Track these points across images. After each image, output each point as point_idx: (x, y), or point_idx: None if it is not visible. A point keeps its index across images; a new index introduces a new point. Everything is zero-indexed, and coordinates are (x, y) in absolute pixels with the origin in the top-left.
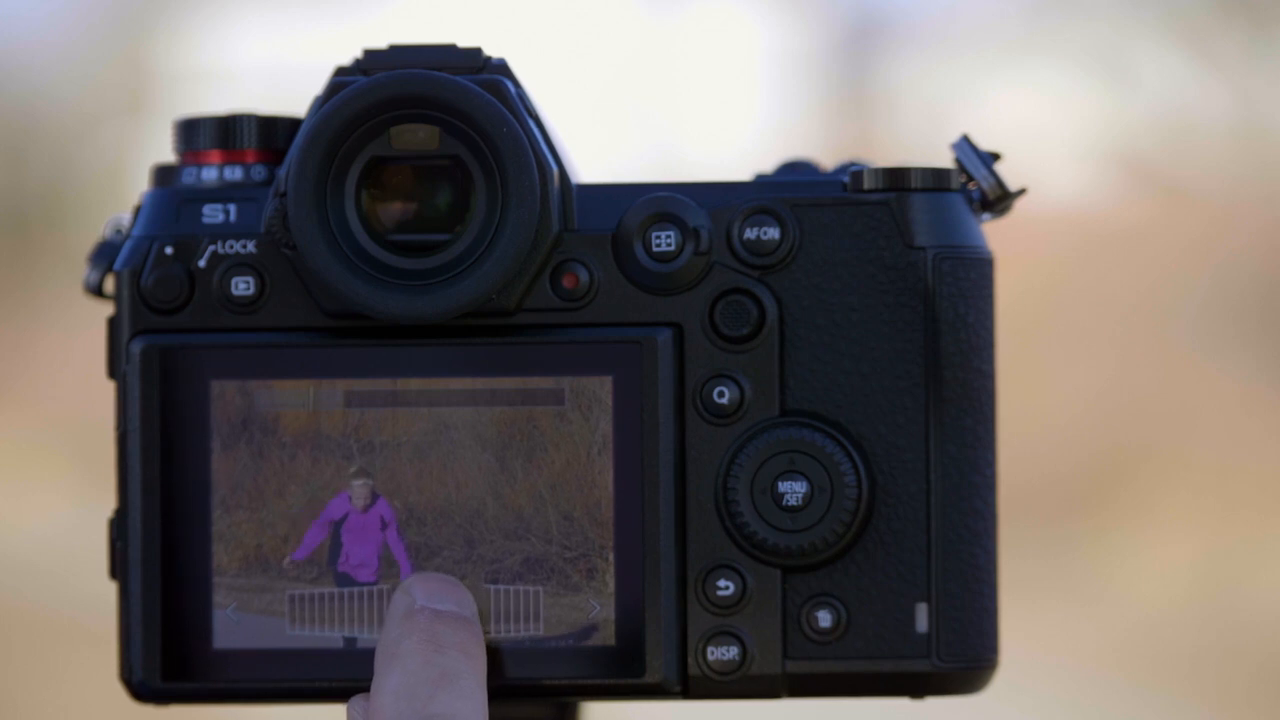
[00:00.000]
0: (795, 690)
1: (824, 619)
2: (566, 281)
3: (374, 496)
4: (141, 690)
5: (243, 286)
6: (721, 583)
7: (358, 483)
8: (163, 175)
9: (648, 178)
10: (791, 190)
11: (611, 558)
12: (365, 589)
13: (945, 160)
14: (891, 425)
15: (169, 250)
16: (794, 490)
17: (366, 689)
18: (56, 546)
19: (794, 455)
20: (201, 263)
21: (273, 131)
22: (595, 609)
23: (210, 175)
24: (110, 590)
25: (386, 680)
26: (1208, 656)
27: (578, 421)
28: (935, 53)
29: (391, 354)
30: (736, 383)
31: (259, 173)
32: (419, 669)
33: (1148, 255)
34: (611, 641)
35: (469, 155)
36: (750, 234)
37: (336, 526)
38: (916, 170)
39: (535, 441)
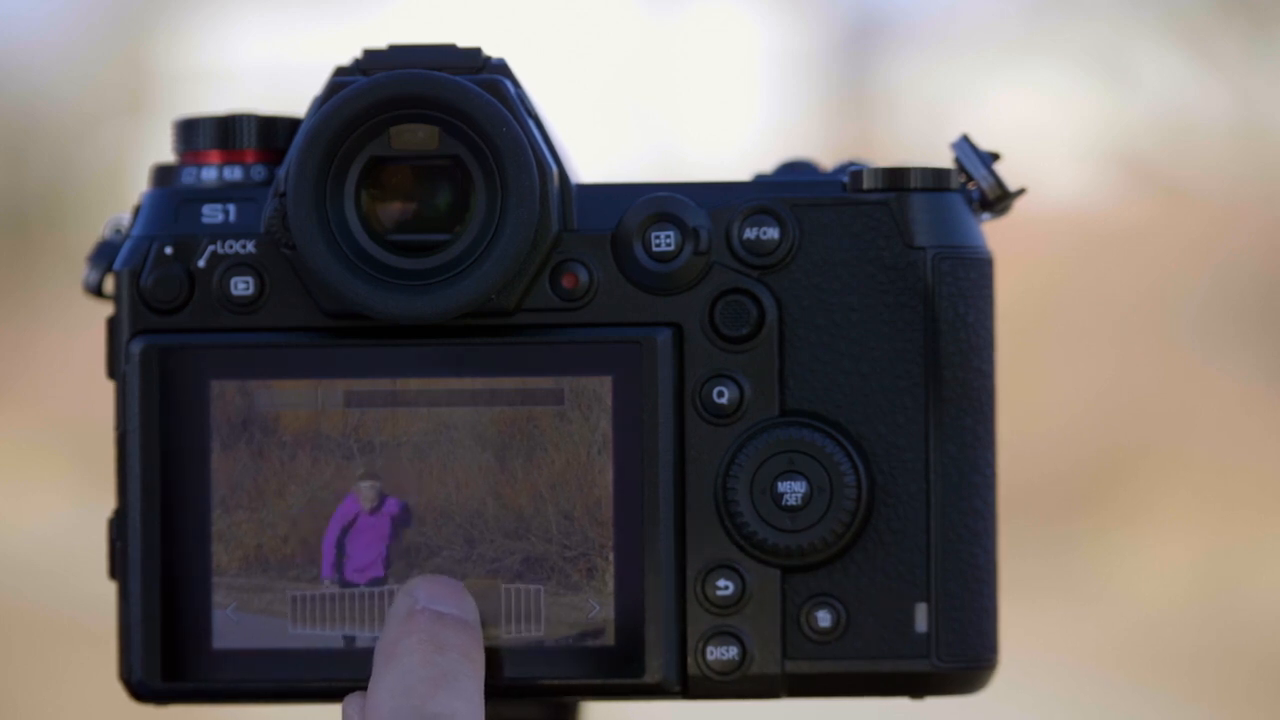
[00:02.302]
0: (795, 690)
1: (823, 619)
2: (566, 281)
3: (381, 497)
4: (141, 690)
5: (242, 286)
6: (721, 583)
7: (365, 484)
8: (162, 175)
9: (648, 178)
10: (791, 190)
11: (611, 557)
12: (369, 590)
13: (945, 160)
14: (891, 425)
15: (168, 250)
16: (793, 490)
17: (366, 688)
18: (56, 546)
19: (793, 455)
20: (201, 263)
21: (272, 131)
22: (595, 609)
23: (210, 175)
24: (110, 590)
25: (384, 678)
26: (1208, 656)
27: (577, 421)
28: (935, 53)
29: (391, 354)
30: (736, 383)
31: (259, 173)
32: (417, 668)
33: (1148, 255)
34: (611, 641)
35: (469, 155)
36: (750, 234)
37: (344, 532)
38: (916, 170)
39: (535, 441)
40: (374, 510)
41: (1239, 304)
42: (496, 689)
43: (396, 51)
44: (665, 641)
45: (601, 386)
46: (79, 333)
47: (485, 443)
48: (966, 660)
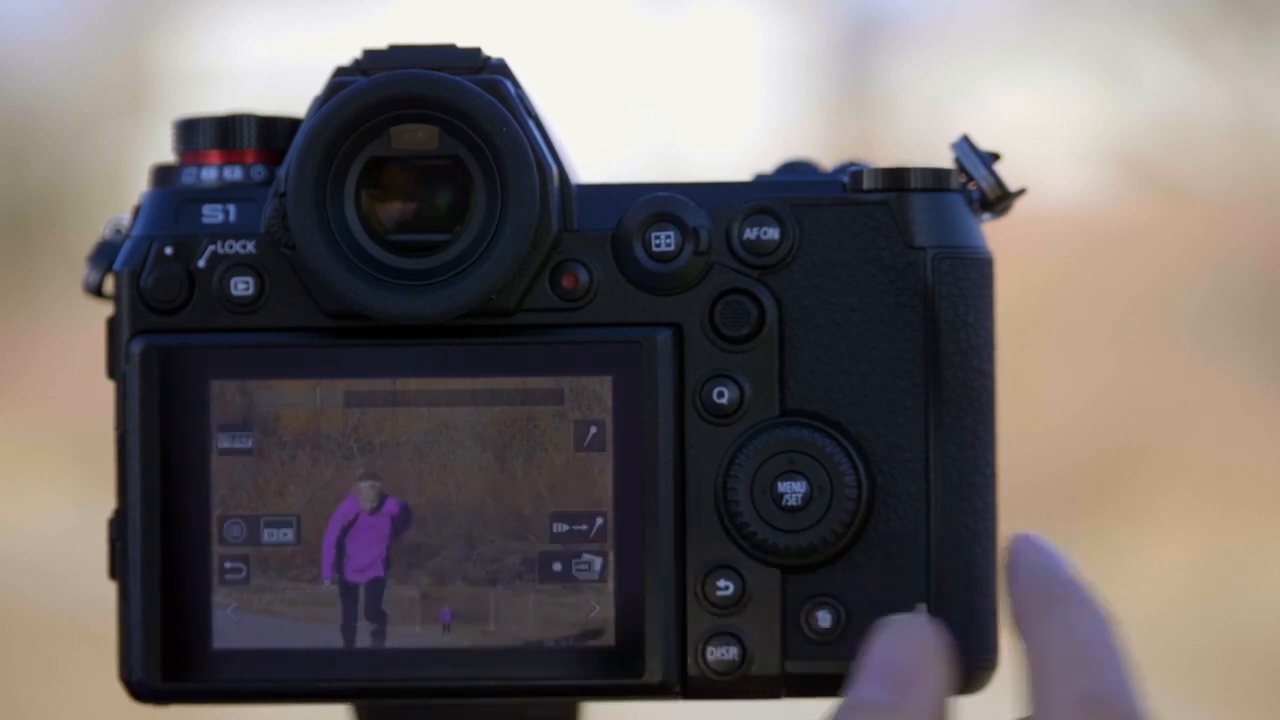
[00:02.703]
0: (795, 690)
1: (824, 619)
2: (566, 281)
3: (381, 497)
4: (141, 690)
5: (242, 286)
6: (721, 583)
7: (365, 484)
8: (162, 175)
9: (648, 178)
10: (791, 190)
11: (611, 557)
12: (369, 590)
13: (945, 160)
14: (891, 425)
15: (169, 250)
16: (794, 490)
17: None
18: (56, 546)
19: (793, 455)
20: (201, 263)
21: (272, 131)
22: (595, 609)
23: (210, 175)
24: (110, 590)
25: None
26: (1208, 656)
27: (578, 421)
28: (935, 53)
29: (391, 354)
30: (736, 383)
31: (259, 173)
32: None
33: (1148, 255)
34: (611, 642)
35: (469, 155)
36: (750, 234)
37: (344, 532)
38: (916, 170)
39: (535, 441)
40: (374, 510)
41: (1239, 304)
42: (495, 690)
43: (396, 51)
44: (665, 642)
45: (601, 386)
46: (79, 333)
47: (485, 443)
48: (966, 660)
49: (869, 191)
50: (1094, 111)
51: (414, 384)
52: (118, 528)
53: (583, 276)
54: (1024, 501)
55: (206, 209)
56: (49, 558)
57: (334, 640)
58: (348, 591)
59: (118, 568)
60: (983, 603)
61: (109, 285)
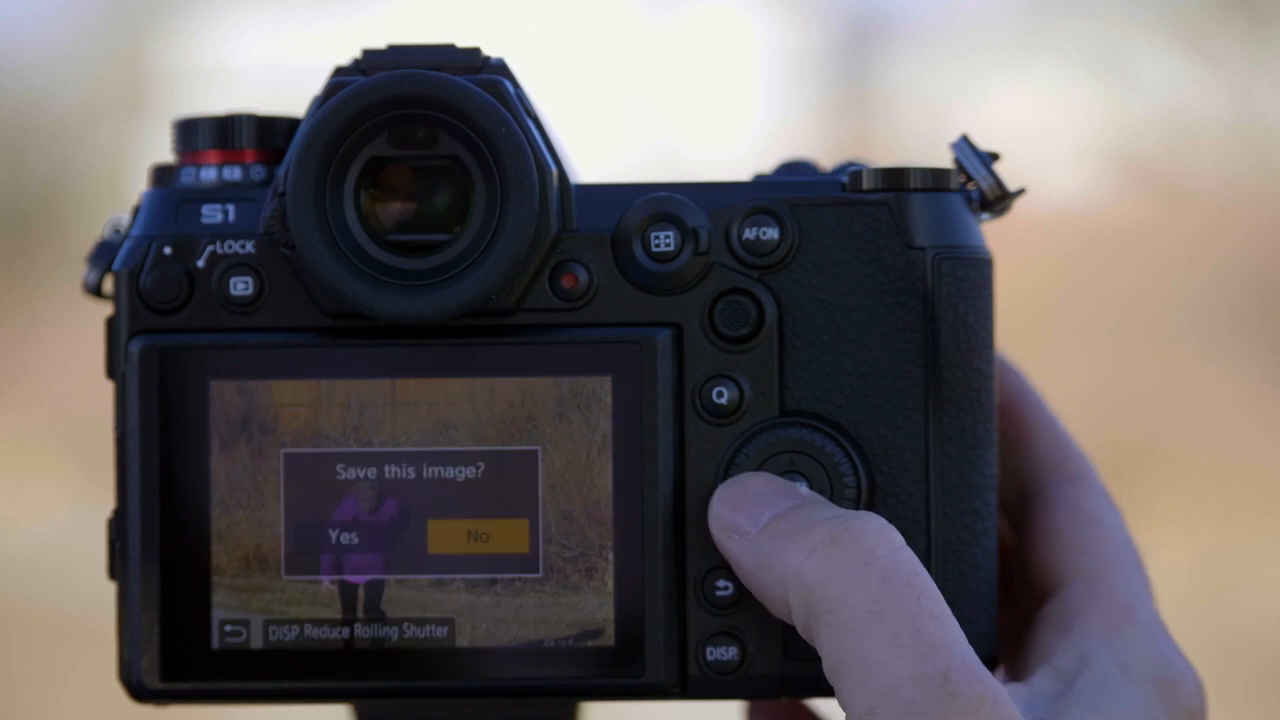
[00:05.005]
0: (794, 690)
1: None
2: (565, 281)
3: (380, 498)
4: (140, 690)
5: (241, 286)
6: (721, 583)
7: (364, 484)
8: (161, 175)
9: (647, 178)
10: (790, 190)
11: (611, 557)
12: (367, 590)
13: (944, 160)
14: (891, 425)
15: (168, 250)
16: None
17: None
18: (56, 546)
19: (793, 455)
20: (200, 263)
21: (271, 131)
22: (595, 609)
23: (209, 175)
24: (110, 590)
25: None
26: (1206, 656)
27: (577, 421)
28: (935, 53)
29: (390, 354)
30: (736, 383)
31: (258, 173)
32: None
33: (1147, 255)
34: (610, 642)
35: (468, 155)
36: (749, 234)
37: (343, 532)
38: (915, 170)
39: (535, 441)
40: (372, 511)
41: (1238, 303)
42: (494, 690)
43: (395, 51)
44: (665, 642)
45: (601, 387)
46: (79, 333)
47: (484, 443)
48: None
49: (868, 191)
50: (1093, 111)
51: (413, 384)
52: (117, 528)
53: (582, 276)
54: None
55: (206, 209)
56: (49, 558)
57: (333, 641)
58: (347, 592)
59: (117, 568)
60: (982, 603)
61: (108, 285)
